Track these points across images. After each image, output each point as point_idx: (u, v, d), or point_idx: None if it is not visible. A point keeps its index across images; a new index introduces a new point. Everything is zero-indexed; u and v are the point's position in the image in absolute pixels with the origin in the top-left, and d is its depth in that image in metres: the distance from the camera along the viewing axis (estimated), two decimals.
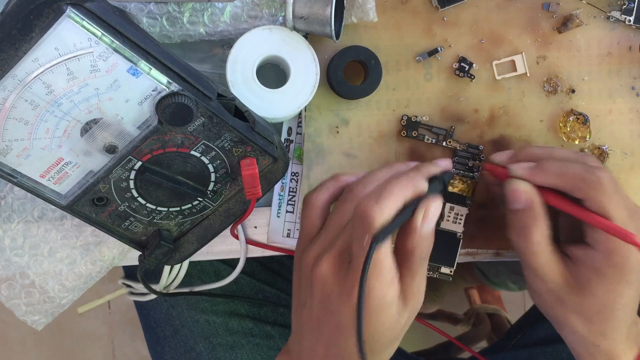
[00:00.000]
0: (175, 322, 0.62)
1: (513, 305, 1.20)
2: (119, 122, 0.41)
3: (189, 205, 0.47)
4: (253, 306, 0.64)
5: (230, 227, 0.49)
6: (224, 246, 0.53)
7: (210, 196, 0.46)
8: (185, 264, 0.54)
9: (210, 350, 0.62)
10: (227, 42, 0.50)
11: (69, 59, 0.38)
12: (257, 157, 0.45)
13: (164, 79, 0.40)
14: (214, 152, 0.44)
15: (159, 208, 0.46)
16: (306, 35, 0.50)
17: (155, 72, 0.40)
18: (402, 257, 0.40)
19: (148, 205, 0.46)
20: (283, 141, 0.52)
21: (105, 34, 0.38)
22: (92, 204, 0.44)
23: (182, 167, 0.44)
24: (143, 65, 0.39)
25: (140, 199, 0.45)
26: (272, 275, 0.66)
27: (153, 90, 0.40)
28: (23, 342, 1.25)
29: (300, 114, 0.52)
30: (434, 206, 0.39)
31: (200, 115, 0.42)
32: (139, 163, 0.43)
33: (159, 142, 0.42)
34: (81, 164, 0.43)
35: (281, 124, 0.52)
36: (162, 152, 0.43)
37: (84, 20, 0.37)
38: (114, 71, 0.39)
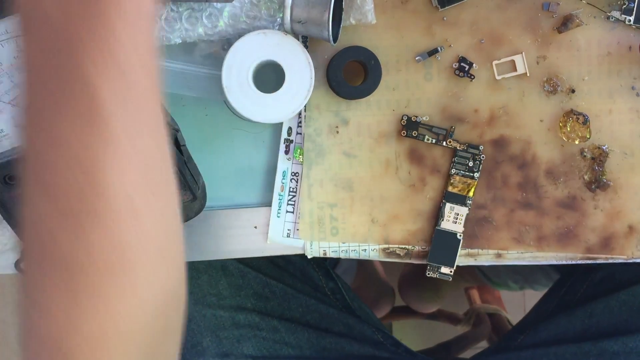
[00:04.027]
0: None
1: (513, 305, 1.20)
2: None
3: None
4: (259, 300, 0.64)
5: None
6: (235, 246, 0.54)
7: None
8: None
9: (217, 344, 0.62)
10: (226, 42, 0.50)
11: None
12: (179, 190, 0.46)
13: None
14: None
15: None
16: (305, 36, 0.50)
17: None
18: None
19: None
20: (283, 141, 0.52)
21: None
22: (2, 181, 0.43)
23: None
24: None
25: None
26: (278, 270, 0.66)
27: None
28: None
29: (300, 114, 0.52)
30: None
31: None
32: None
33: None
34: (13, 137, 0.42)
35: (281, 124, 0.52)
36: None
37: None
38: None
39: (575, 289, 0.70)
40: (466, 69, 0.51)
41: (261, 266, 0.65)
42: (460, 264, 0.53)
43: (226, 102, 0.49)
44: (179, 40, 0.48)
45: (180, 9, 0.47)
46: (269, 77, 0.50)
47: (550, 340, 0.66)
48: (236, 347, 0.62)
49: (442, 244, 0.52)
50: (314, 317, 0.66)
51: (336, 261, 1.06)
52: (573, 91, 0.52)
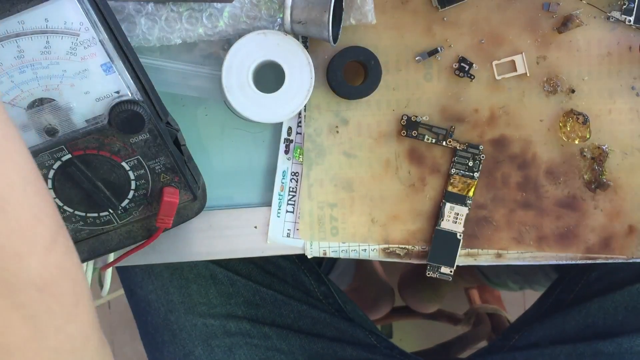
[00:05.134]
0: (174, 326, 0.62)
1: (513, 305, 1.20)
2: (69, 109, 0.41)
3: (95, 215, 0.46)
4: (250, 308, 0.64)
5: (128, 250, 0.48)
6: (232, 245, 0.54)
7: (119, 212, 0.46)
8: (89, 269, 0.52)
9: (209, 353, 0.62)
10: (226, 43, 0.50)
11: (53, 33, 0.38)
12: (180, 190, 0.46)
13: (132, 85, 0.41)
14: (142, 171, 0.45)
15: (65, 207, 0.45)
16: (305, 37, 0.50)
17: (126, 76, 0.41)
18: None
19: (56, 200, 0.45)
20: (283, 141, 0.52)
21: (98, 23, 0.39)
22: None
23: (107, 175, 0.44)
24: (119, 65, 0.40)
25: (51, 192, 0.44)
26: (269, 276, 0.66)
27: (116, 92, 0.41)
28: None
29: (300, 114, 0.52)
30: None
31: (147, 131, 0.43)
32: (68, 156, 0.43)
33: (97, 143, 0.43)
34: None
35: (281, 123, 0.52)
36: (95, 152, 0.43)
37: (85, 3, 0.38)
38: (89, 61, 0.40)
39: (570, 288, 0.70)
40: (466, 69, 0.51)
41: (251, 273, 0.65)
42: (460, 264, 0.53)
43: (226, 102, 0.49)
44: (179, 40, 0.48)
45: (181, 9, 0.47)
46: (269, 77, 0.50)
47: (545, 341, 0.66)
48: (228, 355, 0.62)
49: (442, 244, 0.52)
50: (306, 322, 0.66)
51: (331, 265, 1.06)
52: (573, 91, 0.52)
